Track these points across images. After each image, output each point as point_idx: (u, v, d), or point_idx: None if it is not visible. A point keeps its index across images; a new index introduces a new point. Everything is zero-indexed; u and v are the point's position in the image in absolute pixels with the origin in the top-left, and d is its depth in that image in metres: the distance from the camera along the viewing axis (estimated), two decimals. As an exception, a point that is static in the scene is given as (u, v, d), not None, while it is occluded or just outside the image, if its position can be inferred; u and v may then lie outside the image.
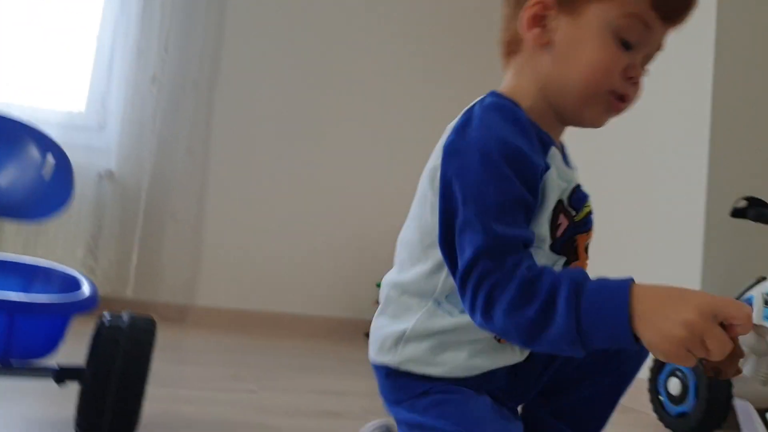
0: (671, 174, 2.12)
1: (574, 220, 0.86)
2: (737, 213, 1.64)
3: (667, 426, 1.80)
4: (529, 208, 0.79)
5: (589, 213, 0.90)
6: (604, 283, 0.71)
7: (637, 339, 0.67)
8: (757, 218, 1.58)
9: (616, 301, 0.68)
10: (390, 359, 0.87)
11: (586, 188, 0.91)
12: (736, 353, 0.68)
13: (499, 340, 0.85)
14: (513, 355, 0.86)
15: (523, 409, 0.98)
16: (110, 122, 2.80)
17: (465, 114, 0.84)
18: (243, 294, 2.99)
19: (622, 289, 0.68)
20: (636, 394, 1.96)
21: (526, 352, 0.89)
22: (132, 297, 2.74)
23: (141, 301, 2.74)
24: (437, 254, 0.82)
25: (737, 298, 1.72)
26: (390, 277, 0.91)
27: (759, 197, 1.64)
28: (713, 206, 1.96)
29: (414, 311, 0.85)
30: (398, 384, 0.87)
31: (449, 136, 0.82)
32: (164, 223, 2.87)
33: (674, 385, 1.78)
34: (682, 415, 1.75)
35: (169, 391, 1.50)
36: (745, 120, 2.03)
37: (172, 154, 2.87)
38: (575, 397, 0.95)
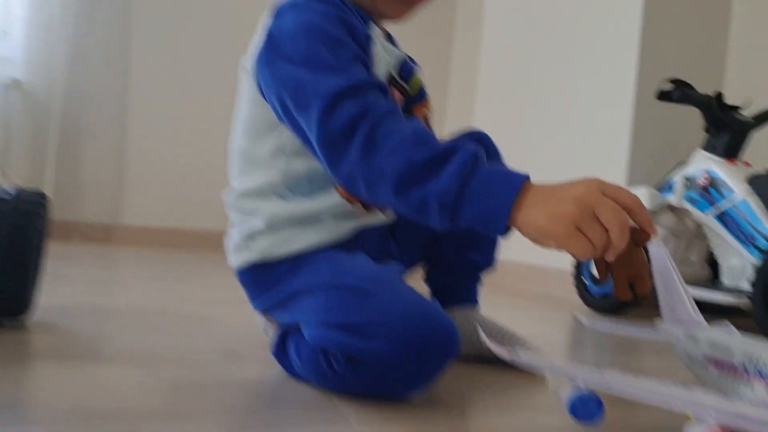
0: (601, 59, 2.11)
1: (409, 94, 0.87)
2: (663, 96, 1.64)
3: (589, 307, 1.85)
4: (368, 68, 0.78)
5: (422, 85, 0.90)
6: (502, 167, 0.70)
7: (508, 229, 0.65)
8: (682, 100, 1.59)
9: (511, 181, 0.65)
10: (248, 256, 0.84)
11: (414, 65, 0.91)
12: (640, 262, 0.66)
13: (358, 206, 0.84)
14: (377, 218, 0.88)
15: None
16: (15, 28, 2.59)
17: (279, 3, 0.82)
18: (170, 212, 2.88)
19: (518, 175, 0.65)
20: (560, 282, 2.00)
21: (391, 214, 0.91)
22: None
23: (62, 221, 2.60)
24: (269, 145, 0.82)
25: (661, 182, 1.75)
26: (229, 191, 0.88)
27: (687, 80, 1.63)
28: (642, 89, 1.96)
29: (260, 210, 0.83)
30: (266, 277, 0.84)
31: (267, 22, 0.81)
32: (82, 140, 2.70)
33: (598, 268, 1.81)
34: (604, 296, 1.79)
35: (80, 288, 1.45)
36: (677, 4, 2.02)
37: (88, 63, 2.68)
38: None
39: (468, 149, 0.67)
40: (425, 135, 0.70)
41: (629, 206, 0.62)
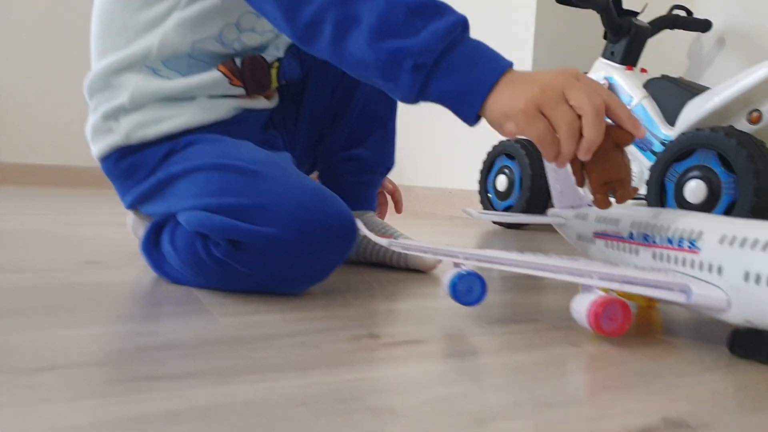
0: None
1: None
2: (563, -1, 1.60)
3: (494, 222, 1.85)
4: None
5: None
6: (488, 47, 0.60)
7: (478, 117, 0.58)
8: (580, 1, 1.55)
9: (498, 61, 0.58)
10: (112, 140, 0.74)
11: None
12: (621, 165, 0.58)
13: (240, 87, 0.77)
14: (259, 102, 0.81)
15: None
16: None
17: None
18: (45, 149, 2.69)
19: (504, 59, 0.58)
20: (469, 203, 2.00)
21: (275, 101, 0.85)
22: None
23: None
24: (156, 10, 0.72)
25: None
26: (89, 74, 0.77)
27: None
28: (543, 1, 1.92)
29: (126, 84, 0.73)
30: (135, 163, 0.74)
31: None
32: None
33: (501, 182, 1.81)
34: (507, 208, 1.79)
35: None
36: None
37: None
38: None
39: (459, 14, 0.59)
40: None
41: (606, 100, 0.54)
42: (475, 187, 1.93)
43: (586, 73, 1.67)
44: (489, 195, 1.87)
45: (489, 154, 1.88)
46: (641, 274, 0.54)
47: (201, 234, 0.65)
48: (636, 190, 0.60)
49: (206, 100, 0.75)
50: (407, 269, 0.87)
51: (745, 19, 1.71)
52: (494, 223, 1.86)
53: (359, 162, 0.94)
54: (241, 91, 0.77)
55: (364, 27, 0.58)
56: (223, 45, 0.75)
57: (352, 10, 0.59)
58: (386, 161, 0.97)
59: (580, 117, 0.53)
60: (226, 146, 0.70)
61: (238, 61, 0.76)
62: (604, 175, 0.59)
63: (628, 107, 1.49)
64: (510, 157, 1.81)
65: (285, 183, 0.64)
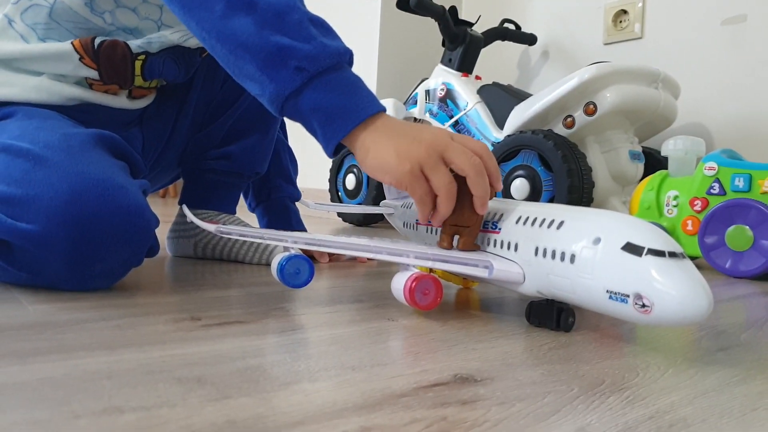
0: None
1: None
2: (401, 5, 1.67)
3: (344, 220, 1.89)
4: None
5: None
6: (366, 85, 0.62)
7: (339, 147, 0.59)
8: (417, 8, 1.63)
9: (374, 99, 0.60)
10: None
11: None
12: (474, 215, 0.59)
13: (91, 85, 0.73)
14: (117, 101, 0.76)
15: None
16: None
17: None
18: None
19: (380, 102, 0.60)
20: (318, 199, 2.02)
21: (146, 101, 0.81)
22: None
23: None
24: None
25: (407, 98, 1.81)
26: None
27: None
28: (386, 7, 2.00)
29: None
30: None
31: None
32: None
33: (350, 181, 1.86)
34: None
35: None
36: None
37: None
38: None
39: (349, 48, 0.62)
40: None
41: (479, 152, 0.58)
42: (326, 185, 1.97)
43: (425, 79, 1.76)
44: (339, 193, 1.91)
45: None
46: (451, 253, 0.59)
47: None
48: (478, 247, 0.61)
49: (47, 80, 0.70)
50: (268, 265, 0.87)
51: (564, 35, 1.90)
52: (344, 221, 1.90)
53: (229, 160, 0.90)
54: (93, 73, 0.71)
55: (257, 15, 0.58)
56: (92, 11, 0.70)
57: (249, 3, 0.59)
58: (257, 166, 0.93)
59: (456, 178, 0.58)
60: (32, 124, 0.64)
61: (98, 41, 0.71)
62: (456, 219, 0.61)
63: (464, 111, 1.60)
64: (357, 156, 1.86)
65: (66, 172, 0.56)
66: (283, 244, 0.61)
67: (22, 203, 0.55)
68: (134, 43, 0.74)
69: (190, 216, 0.65)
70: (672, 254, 0.45)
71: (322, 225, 1.79)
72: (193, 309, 0.56)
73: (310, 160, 2.28)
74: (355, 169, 1.86)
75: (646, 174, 1.43)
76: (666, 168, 1.27)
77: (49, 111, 0.69)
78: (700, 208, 1.15)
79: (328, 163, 1.95)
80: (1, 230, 0.55)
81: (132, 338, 0.45)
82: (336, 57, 0.59)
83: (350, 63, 0.61)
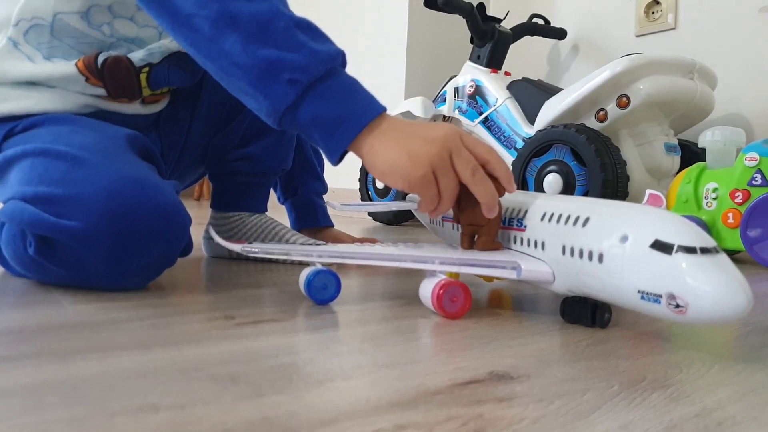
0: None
1: None
2: (429, 3, 1.66)
3: (375, 219, 1.89)
4: None
5: None
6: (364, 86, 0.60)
7: (344, 152, 0.58)
8: (446, 6, 1.62)
9: (373, 100, 0.58)
10: None
11: None
12: (497, 218, 0.60)
13: (100, 89, 0.73)
14: (129, 108, 0.77)
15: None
16: None
17: None
18: None
19: (380, 102, 0.59)
20: (349, 200, 2.02)
21: (159, 106, 0.81)
22: None
23: None
24: None
25: (436, 96, 1.80)
26: None
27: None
28: (414, 7, 1.99)
29: None
30: None
31: None
32: None
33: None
34: (386, 205, 1.84)
35: None
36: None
37: None
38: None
39: (339, 47, 0.59)
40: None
41: (486, 158, 0.57)
42: (356, 185, 1.97)
43: (454, 76, 1.75)
44: (369, 193, 1.91)
45: (367, 152, 1.91)
46: (477, 255, 0.58)
47: (20, 228, 0.59)
48: (500, 245, 0.62)
49: (60, 91, 0.71)
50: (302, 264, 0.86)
51: (594, 28, 1.87)
52: (374, 219, 1.90)
53: (251, 162, 0.90)
54: (101, 91, 0.73)
55: (242, 30, 0.57)
56: (89, 25, 0.71)
57: (229, 9, 0.57)
58: (281, 163, 0.93)
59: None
60: (64, 129, 0.66)
61: (101, 58, 0.72)
62: (471, 219, 0.61)
63: (494, 107, 1.59)
64: (387, 155, 1.86)
65: (103, 171, 0.58)
66: (309, 259, 0.61)
67: (64, 202, 0.56)
68: (136, 57, 0.74)
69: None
70: (704, 250, 0.43)
71: (352, 224, 1.79)
72: (226, 308, 0.56)
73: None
74: (384, 169, 1.86)
75: (682, 167, 1.39)
76: (703, 160, 1.23)
77: (74, 116, 0.70)
78: (741, 200, 1.12)
79: (358, 163, 1.95)
80: (46, 227, 0.56)
81: (167, 337, 0.45)
82: (328, 62, 0.57)
83: (343, 65, 0.60)
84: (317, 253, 0.61)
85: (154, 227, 0.58)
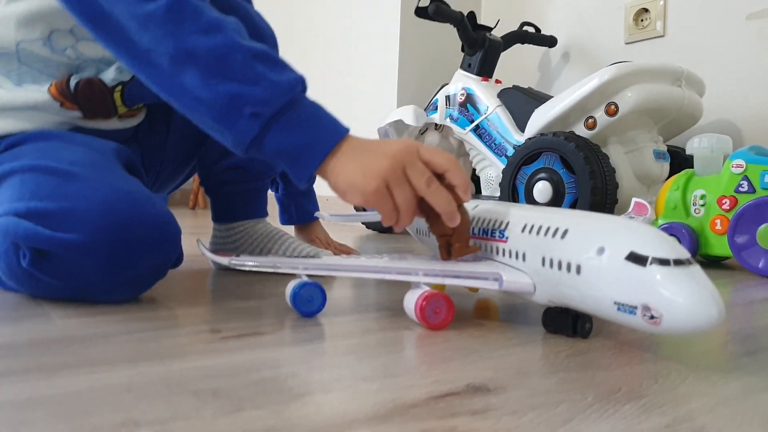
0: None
1: None
2: (419, 12, 1.68)
3: (367, 227, 1.90)
4: None
5: None
6: (327, 110, 0.61)
7: (312, 177, 0.59)
8: (436, 14, 1.64)
9: (336, 125, 0.59)
10: None
11: None
12: (461, 223, 0.60)
13: (76, 111, 0.74)
14: (107, 124, 0.78)
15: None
16: None
17: None
18: None
19: (342, 125, 0.60)
20: (344, 208, 2.03)
21: (136, 120, 0.82)
22: None
23: None
24: None
25: (428, 104, 1.81)
26: None
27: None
28: (406, 20, 2.01)
29: None
30: None
31: None
32: None
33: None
34: (379, 213, 1.85)
35: None
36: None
37: None
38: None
39: (299, 73, 0.60)
40: (239, 28, 0.61)
41: (444, 167, 0.58)
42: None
43: (446, 84, 1.76)
44: (361, 200, 1.92)
45: (360, 160, 1.93)
46: (460, 267, 0.59)
47: (13, 242, 0.60)
48: (476, 249, 0.63)
49: (34, 113, 0.72)
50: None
51: (584, 36, 1.88)
52: (367, 228, 1.91)
53: (242, 169, 0.91)
54: (77, 114, 0.74)
55: (201, 65, 0.57)
56: (52, 50, 0.71)
57: (186, 45, 0.57)
58: (271, 167, 0.94)
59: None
60: (50, 145, 0.67)
61: (73, 82, 0.72)
62: (440, 229, 0.62)
63: (485, 115, 1.60)
64: (380, 163, 1.87)
65: (96, 185, 0.60)
66: (295, 271, 0.62)
67: (59, 216, 0.58)
68: (108, 77, 0.75)
69: (205, 253, 0.66)
70: (678, 262, 0.44)
71: (345, 232, 1.81)
72: (213, 321, 0.57)
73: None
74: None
75: (672, 173, 1.41)
76: (693, 167, 1.25)
77: (57, 132, 0.71)
78: (728, 207, 1.13)
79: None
80: (42, 241, 0.57)
81: (154, 351, 0.46)
82: (289, 92, 0.58)
83: (304, 90, 0.60)
84: (303, 266, 0.62)
85: (148, 238, 0.60)
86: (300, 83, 0.60)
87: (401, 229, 0.60)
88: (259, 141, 0.58)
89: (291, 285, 0.61)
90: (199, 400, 0.36)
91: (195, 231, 1.65)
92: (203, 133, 0.89)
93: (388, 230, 1.85)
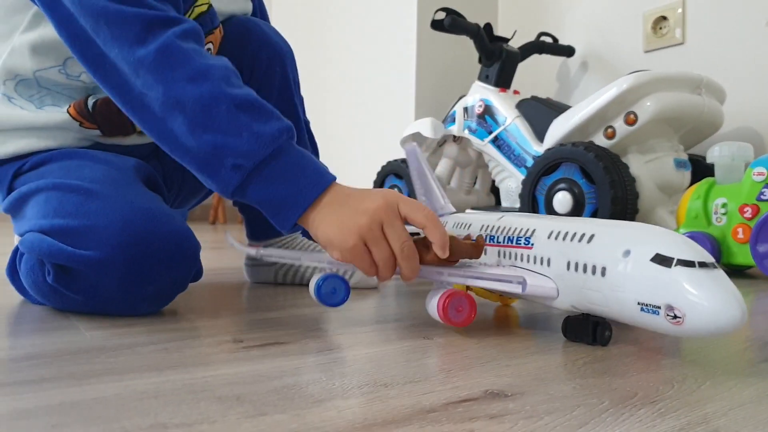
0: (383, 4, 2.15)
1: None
2: (435, 24, 1.70)
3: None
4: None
5: (204, 12, 0.79)
6: (313, 158, 0.62)
7: (294, 225, 0.60)
8: (452, 27, 1.65)
9: (321, 176, 0.60)
10: None
11: None
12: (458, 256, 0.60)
13: (95, 131, 0.76)
14: (127, 140, 0.79)
15: None
16: None
17: None
18: None
19: (328, 174, 0.60)
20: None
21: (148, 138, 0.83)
22: None
23: None
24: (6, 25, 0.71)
25: (446, 116, 1.83)
26: None
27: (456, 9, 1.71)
28: (423, 32, 2.02)
29: None
30: None
31: None
32: None
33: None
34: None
35: None
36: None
37: None
38: None
39: (285, 121, 0.60)
40: (238, 78, 0.62)
41: (423, 224, 0.58)
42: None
43: (463, 96, 1.77)
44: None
45: (378, 174, 1.94)
46: (485, 269, 0.60)
47: (38, 258, 0.63)
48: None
49: (56, 131, 0.74)
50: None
51: (602, 45, 1.88)
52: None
53: None
54: (96, 132, 0.76)
55: (187, 114, 0.58)
56: (67, 77, 0.73)
57: (174, 92, 0.58)
58: None
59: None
60: (72, 164, 0.69)
61: (90, 102, 0.74)
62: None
63: (503, 126, 1.61)
64: (398, 176, 1.88)
65: (116, 203, 0.61)
66: (320, 265, 0.63)
67: (80, 233, 0.60)
68: None
69: (234, 244, 0.68)
70: (702, 264, 0.45)
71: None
72: (235, 331, 0.58)
73: (351, 180, 2.32)
74: (396, 188, 1.88)
75: (694, 182, 1.40)
76: (714, 175, 1.24)
77: (81, 149, 0.74)
78: (750, 215, 1.13)
79: (369, 183, 1.98)
80: (64, 257, 0.59)
81: (178, 360, 0.47)
82: (271, 145, 0.58)
83: (291, 138, 0.61)
84: (328, 260, 0.63)
85: (166, 254, 0.61)
86: (285, 132, 0.60)
87: (383, 280, 0.60)
88: (242, 190, 0.59)
89: (315, 278, 0.62)
90: (223, 405, 0.37)
91: (215, 246, 1.68)
92: None
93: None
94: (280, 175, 0.58)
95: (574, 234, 0.55)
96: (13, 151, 0.72)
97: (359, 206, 0.58)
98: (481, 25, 1.71)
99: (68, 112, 0.74)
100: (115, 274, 0.59)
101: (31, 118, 0.73)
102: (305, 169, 0.60)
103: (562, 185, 1.39)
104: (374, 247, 0.57)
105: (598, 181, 1.30)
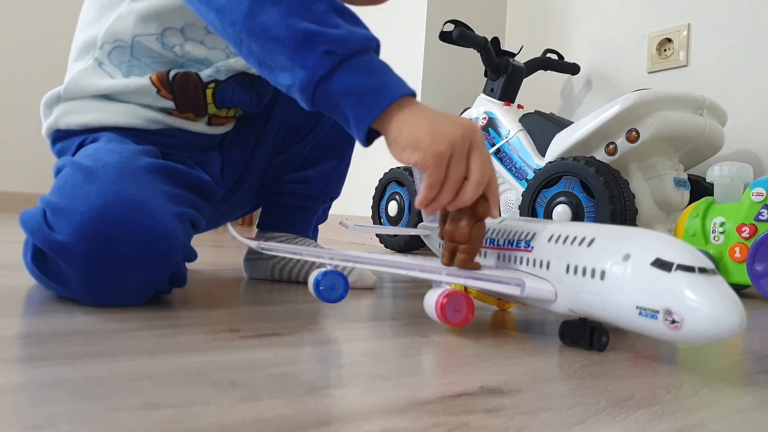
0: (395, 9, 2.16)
1: None
2: (443, 36, 1.70)
3: (386, 246, 1.91)
4: None
5: None
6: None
7: (373, 132, 0.58)
8: (460, 39, 1.66)
9: (403, 83, 0.59)
10: (51, 121, 0.78)
11: None
12: (476, 235, 0.60)
13: (170, 112, 0.79)
14: (195, 125, 0.82)
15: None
16: None
17: None
18: None
19: (409, 86, 0.59)
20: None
21: (225, 128, 0.86)
22: None
23: None
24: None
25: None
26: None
27: (464, 21, 1.72)
28: (430, 43, 2.03)
29: (69, 72, 0.78)
30: (63, 148, 0.78)
31: None
32: None
33: (392, 208, 1.88)
34: (395, 235, 1.86)
35: None
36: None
37: None
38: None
39: (377, 37, 0.61)
40: None
41: (490, 176, 0.58)
42: (369, 212, 1.99)
43: (468, 108, 1.78)
44: (381, 220, 1.93)
45: (380, 181, 1.94)
46: (483, 271, 0.60)
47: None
48: (478, 265, 0.61)
49: (133, 106, 0.76)
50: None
51: (607, 64, 1.89)
52: (386, 247, 1.92)
53: (307, 184, 0.94)
54: (170, 104, 0.77)
55: (282, 5, 0.57)
56: (162, 46, 0.76)
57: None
58: (333, 190, 0.98)
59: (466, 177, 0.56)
60: (106, 146, 0.69)
61: (172, 73, 0.77)
62: (453, 235, 0.62)
63: (506, 139, 1.61)
64: (399, 183, 1.88)
65: (105, 189, 0.59)
66: (320, 260, 0.63)
67: (62, 214, 0.59)
68: (204, 73, 0.79)
69: (235, 236, 0.68)
70: (702, 270, 0.45)
71: (360, 249, 1.81)
72: (232, 322, 0.58)
73: (354, 187, 2.32)
74: (397, 196, 1.88)
75: (692, 201, 1.40)
76: (713, 195, 1.24)
77: (128, 137, 0.74)
78: (748, 235, 1.13)
79: (371, 190, 1.98)
80: (39, 238, 0.59)
81: (174, 345, 0.47)
82: (364, 42, 0.58)
83: (377, 51, 0.60)
84: (328, 255, 0.63)
85: (135, 252, 0.58)
86: (375, 42, 0.60)
87: (433, 212, 0.59)
88: (328, 80, 0.56)
89: (314, 273, 0.62)
90: (217, 389, 0.37)
91: (216, 244, 1.67)
92: (288, 146, 0.94)
93: (407, 249, 1.85)
94: (368, 68, 0.57)
95: (575, 237, 0.55)
96: (85, 122, 0.75)
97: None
98: (489, 38, 1.71)
99: (150, 78, 0.76)
100: (77, 264, 0.57)
101: (113, 83, 0.75)
102: (392, 72, 0.59)
103: (561, 198, 1.39)
104: (456, 162, 0.55)
105: (597, 195, 1.30)
